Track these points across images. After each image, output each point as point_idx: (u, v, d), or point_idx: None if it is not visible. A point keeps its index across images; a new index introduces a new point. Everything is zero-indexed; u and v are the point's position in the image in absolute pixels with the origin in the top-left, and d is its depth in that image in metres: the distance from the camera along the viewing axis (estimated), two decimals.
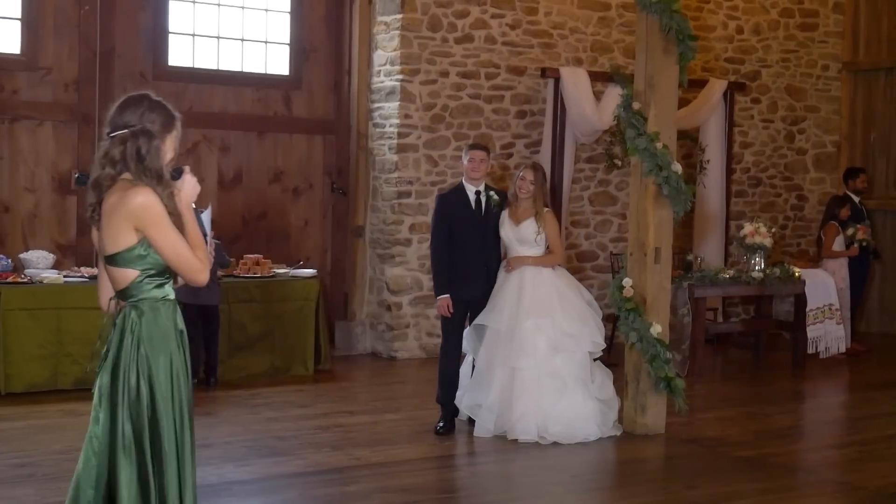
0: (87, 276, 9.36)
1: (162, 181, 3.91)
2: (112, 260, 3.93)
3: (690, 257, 11.26)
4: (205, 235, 4.08)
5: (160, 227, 3.85)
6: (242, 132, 11.05)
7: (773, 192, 13.85)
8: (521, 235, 8.00)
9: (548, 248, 8.04)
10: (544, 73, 11.76)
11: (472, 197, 8.08)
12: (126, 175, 3.90)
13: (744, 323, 12.56)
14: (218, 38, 11.02)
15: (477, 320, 7.99)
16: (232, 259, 10.03)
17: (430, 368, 10.70)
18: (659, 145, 7.85)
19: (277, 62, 11.34)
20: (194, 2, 10.85)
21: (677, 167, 7.89)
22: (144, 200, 3.83)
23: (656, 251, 7.96)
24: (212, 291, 9.37)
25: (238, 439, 7.64)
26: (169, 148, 4.01)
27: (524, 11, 11.74)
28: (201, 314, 9.40)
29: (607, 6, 12.28)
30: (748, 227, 10.99)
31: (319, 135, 11.51)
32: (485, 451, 7.57)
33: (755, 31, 13.46)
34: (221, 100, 10.96)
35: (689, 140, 12.64)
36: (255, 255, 10.26)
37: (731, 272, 10.89)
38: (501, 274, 8.07)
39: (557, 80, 11.67)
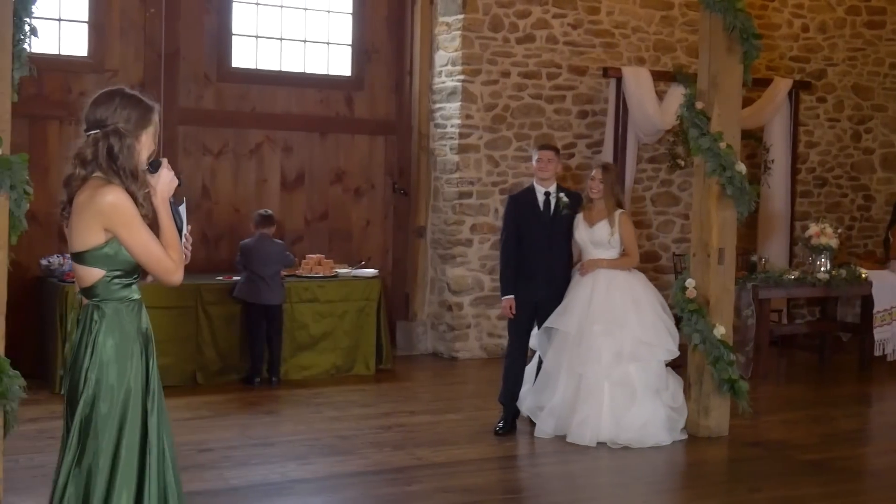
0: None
1: (137, 180, 3.82)
2: (79, 258, 3.83)
3: (754, 258, 11.15)
4: (180, 230, 3.95)
5: (131, 227, 3.76)
6: (305, 133, 11.13)
7: (839, 192, 13.65)
8: (595, 237, 7.88)
9: (623, 250, 7.92)
10: (606, 72, 11.70)
11: (541, 198, 8.01)
12: (98, 174, 3.81)
13: (809, 325, 12.40)
14: (281, 39, 11.11)
15: (547, 322, 7.89)
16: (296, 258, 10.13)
17: (491, 369, 10.70)
18: (722, 145, 7.78)
19: (339, 63, 11.40)
20: (258, 4, 10.95)
21: (741, 167, 7.82)
22: (115, 200, 3.74)
23: (720, 252, 7.89)
24: (274, 291, 9.46)
25: (300, 438, 7.70)
26: (145, 143, 3.90)
27: (586, 11, 11.69)
28: (264, 313, 9.48)
29: (670, 5, 12.19)
30: (814, 228, 10.84)
31: (381, 135, 11.55)
32: (546, 452, 7.54)
33: (821, 29, 13.29)
34: (284, 101, 11.04)
35: (754, 140, 12.50)
36: (317, 255, 10.33)
37: (796, 273, 10.76)
38: (575, 276, 7.99)
39: (619, 80, 11.61)
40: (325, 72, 11.31)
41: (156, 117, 3.94)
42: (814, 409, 9.18)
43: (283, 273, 9.76)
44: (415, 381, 10.21)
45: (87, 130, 3.85)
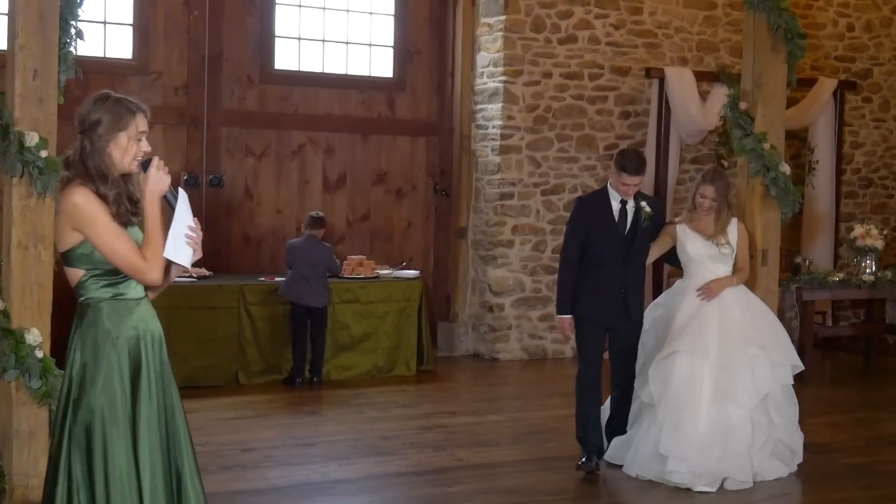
0: (195, 276, 9.55)
1: (107, 181, 3.82)
2: (63, 258, 3.89)
3: (799, 259, 11.07)
4: (183, 223, 3.89)
5: (95, 227, 3.77)
6: (347, 134, 11.17)
7: (885, 193, 13.50)
8: (715, 251, 6.92)
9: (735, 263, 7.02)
10: (649, 73, 11.65)
11: (615, 206, 6.83)
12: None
13: (854, 327, 12.28)
14: (323, 41, 11.15)
15: (671, 348, 6.73)
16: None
17: (533, 370, 10.71)
18: (766, 146, 7.72)
19: (381, 64, 11.42)
20: (300, 6, 11.00)
21: (785, 168, 7.75)
22: (78, 200, 3.77)
23: (764, 253, 7.82)
24: (318, 293, 9.47)
25: (342, 438, 7.72)
26: (123, 145, 3.86)
27: (628, 11, 11.64)
28: (308, 314, 9.50)
29: (713, 5, 12.11)
30: (859, 229, 10.74)
31: (423, 136, 11.57)
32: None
33: (866, 28, 13.15)
34: (326, 102, 11.08)
35: (798, 140, 12.40)
36: (359, 256, 10.35)
37: (841, 275, 10.67)
38: (689, 296, 6.91)
39: (662, 80, 11.56)
40: (366, 73, 11.35)
41: (136, 120, 3.89)
42: (859, 412, 9.09)
43: (327, 275, 9.83)
44: (456, 381, 10.22)
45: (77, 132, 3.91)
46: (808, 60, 12.13)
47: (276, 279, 9.69)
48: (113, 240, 3.79)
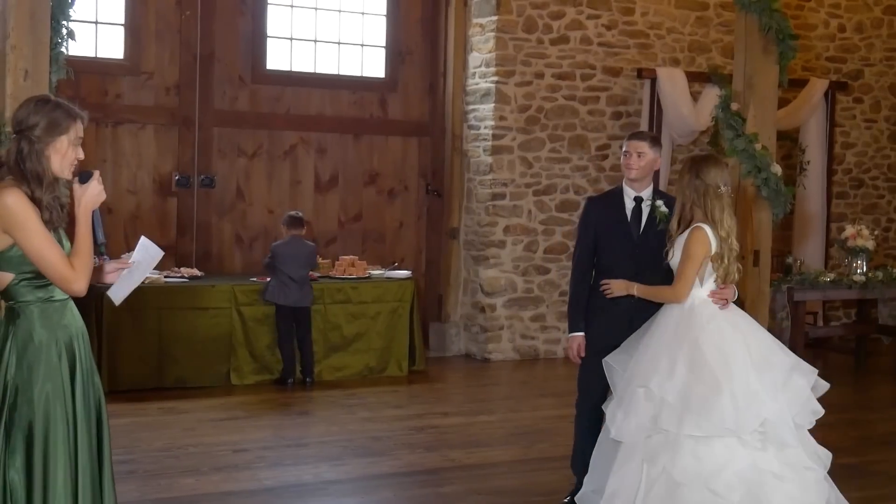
0: (186, 276, 9.54)
1: (42, 185, 3.80)
2: None
3: (790, 260, 11.08)
4: (134, 269, 4.08)
5: (25, 230, 3.73)
6: (339, 134, 11.16)
7: (876, 193, 13.53)
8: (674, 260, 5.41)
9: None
10: (640, 73, 11.66)
11: (628, 204, 5.91)
12: (10, 177, 3.81)
13: (845, 327, 12.30)
14: (315, 41, 11.14)
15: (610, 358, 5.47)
16: (327, 260, 10.20)
17: (524, 370, 10.71)
18: (758, 146, 7.74)
19: (373, 65, 11.42)
20: (292, 6, 10.98)
21: (777, 168, 7.77)
22: (10, 202, 3.72)
23: (755, 254, 7.84)
24: (305, 293, 9.42)
25: (334, 439, 7.72)
26: (61, 149, 3.85)
27: (620, 12, 11.65)
28: (293, 316, 9.45)
29: (705, 6, 12.13)
30: (850, 230, 10.77)
31: (415, 137, 11.56)
32: None
33: (858, 29, 13.18)
34: (318, 102, 11.07)
35: (789, 141, 12.42)
36: (351, 257, 10.35)
37: (832, 275, 10.69)
38: (666, 312, 5.38)
39: (654, 81, 11.57)
40: (358, 73, 11.34)
41: (76, 125, 3.89)
42: (850, 413, 9.10)
43: (316, 275, 9.82)
44: (447, 382, 10.22)
45: (11, 134, 3.90)
46: (799, 61, 12.15)
47: (268, 280, 9.66)
48: (42, 245, 3.75)
